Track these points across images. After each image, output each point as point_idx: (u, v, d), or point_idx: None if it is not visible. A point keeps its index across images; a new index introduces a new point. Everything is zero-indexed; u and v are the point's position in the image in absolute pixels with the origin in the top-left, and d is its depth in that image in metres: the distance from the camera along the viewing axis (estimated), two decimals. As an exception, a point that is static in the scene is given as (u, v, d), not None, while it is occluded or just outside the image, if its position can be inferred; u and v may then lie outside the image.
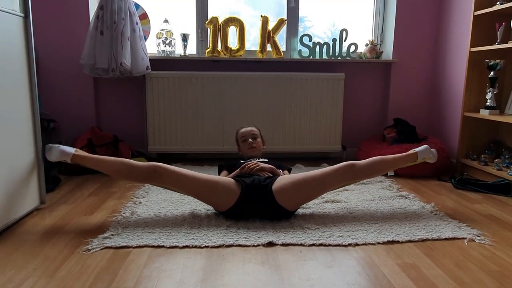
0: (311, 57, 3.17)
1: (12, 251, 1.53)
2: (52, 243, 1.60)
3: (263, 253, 1.54)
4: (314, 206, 2.05)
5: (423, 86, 3.36)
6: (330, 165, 2.93)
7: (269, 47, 3.11)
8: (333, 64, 3.27)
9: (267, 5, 3.34)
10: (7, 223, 1.72)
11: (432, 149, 2.19)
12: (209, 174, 1.92)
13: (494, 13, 2.58)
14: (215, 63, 3.18)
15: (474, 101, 2.79)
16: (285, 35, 3.28)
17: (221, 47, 3.07)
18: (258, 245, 1.59)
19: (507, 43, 2.47)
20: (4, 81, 1.69)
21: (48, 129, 2.88)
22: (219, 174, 2.17)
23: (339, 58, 3.19)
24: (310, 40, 3.16)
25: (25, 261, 1.45)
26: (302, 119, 3.15)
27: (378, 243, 1.63)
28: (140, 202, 2.10)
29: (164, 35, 3.06)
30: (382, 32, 3.37)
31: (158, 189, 2.31)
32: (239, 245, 1.59)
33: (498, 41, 2.59)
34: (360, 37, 3.36)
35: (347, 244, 1.61)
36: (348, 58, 3.20)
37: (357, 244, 1.61)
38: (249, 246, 1.59)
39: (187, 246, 1.58)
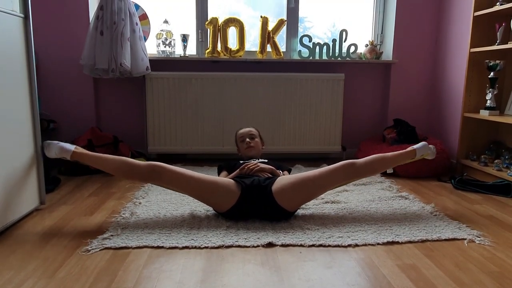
0: (311, 58, 3.17)
1: (12, 252, 1.53)
2: (51, 244, 1.60)
3: (262, 253, 1.54)
4: (313, 206, 2.05)
5: (423, 87, 3.36)
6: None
7: (269, 48, 3.11)
8: (333, 65, 3.27)
9: (267, 6, 3.34)
10: (7, 224, 1.72)
11: (430, 145, 2.21)
12: (209, 175, 1.92)
13: (494, 14, 2.59)
14: (215, 63, 3.18)
15: (474, 102, 2.79)
16: (285, 36, 3.28)
17: (221, 48, 3.07)
18: (258, 246, 1.59)
19: (507, 43, 2.47)
20: (4, 82, 1.69)
21: (48, 129, 2.88)
22: (218, 175, 2.17)
23: (339, 58, 3.19)
24: (310, 40, 3.16)
25: (25, 262, 1.45)
26: (302, 120, 3.15)
27: (378, 243, 1.63)
28: (140, 203, 2.10)
29: (164, 36, 3.06)
30: (382, 33, 3.37)
31: (158, 190, 2.31)
32: (239, 246, 1.59)
33: (498, 41, 2.59)
34: (360, 38, 3.37)
35: (346, 245, 1.61)
36: (348, 58, 3.20)
37: (356, 245, 1.61)
38: (248, 246, 1.59)
39: (186, 247, 1.58)
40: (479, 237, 1.70)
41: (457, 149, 2.89)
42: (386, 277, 1.37)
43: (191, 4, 3.18)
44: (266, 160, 2.17)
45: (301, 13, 3.28)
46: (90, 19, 2.88)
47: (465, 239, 1.68)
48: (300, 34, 3.22)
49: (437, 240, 1.67)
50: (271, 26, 3.08)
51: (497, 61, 2.58)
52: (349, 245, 1.61)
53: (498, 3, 2.52)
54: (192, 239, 1.63)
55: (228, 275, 1.37)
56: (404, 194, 2.29)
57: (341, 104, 3.16)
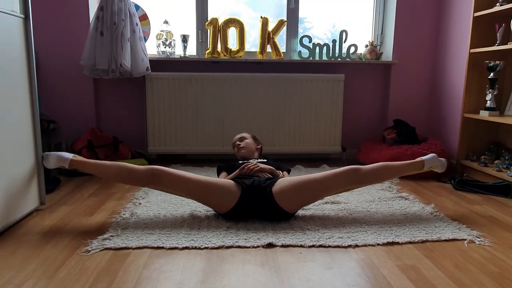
0: (311, 58, 3.17)
1: (12, 252, 1.53)
2: (51, 244, 1.60)
3: (262, 254, 1.54)
4: (313, 207, 2.05)
5: (423, 87, 3.36)
6: (330, 166, 2.97)
7: (269, 48, 3.11)
8: (333, 65, 3.28)
9: (267, 6, 3.34)
10: (7, 224, 1.72)
11: (441, 158, 2.16)
12: (208, 176, 1.92)
13: (493, 14, 2.59)
14: (215, 64, 3.18)
15: (474, 102, 2.79)
16: (285, 36, 3.28)
17: (221, 48, 3.07)
18: (258, 247, 1.59)
19: (507, 44, 2.47)
20: (4, 82, 1.69)
21: (48, 130, 2.88)
22: (218, 176, 2.17)
23: (339, 59, 3.19)
24: (310, 41, 3.16)
25: (25, 262, 1.45)
26: (302, 120, 3.15)
27: (378, 244, 1.63)
28: (140, 203, 2.10)
29: (164, 36, 3.06)
30: (382, 33, 3.37)
31: (158, 191, 2.30)
32: (239, 247, 1.59)
33: (497, 42, 2.59)
34: (360, 38, 3.37)
35: (347, 245, 1.61)
36: (348, 59, 3.20)
37: (357, 246, 1.61)
38: (248, 247, 1.59)
39: (186, 247, 1.58)
40: (479, 238, 1.70)
41: (457, 149, 2.89)
42: (386, 277, 1.37)
43: (191, 4, 3.18)
44: (265, 160, 2.18)
45: (301, 14, 3.28)
46: (90, 20, 2.88)
47: (465, 239, 1.68)
48: (300, 35, 3.22)
49: (437, 241, 1.67)
50: (271, 26, 3.09)
51: (497, 62, 2.59)
52: (349, 246, 1.61)
53: (498, 4, 2.53)
54: (192, 240, 1.63)
55: (228, 276, 1.37)
56: (404, 195, 2.29)
57: (341, 105, 3.16)
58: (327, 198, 2.16)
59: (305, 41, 3.16)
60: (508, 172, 2.46)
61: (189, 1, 3.18)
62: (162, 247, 1.57)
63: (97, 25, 2.73)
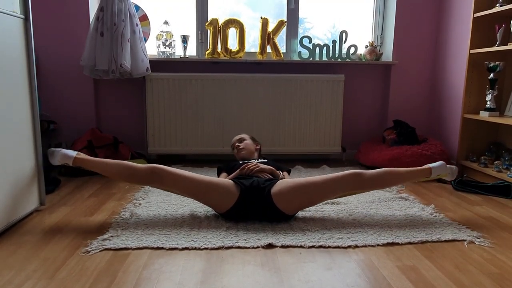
0: (311, 59, 3.18)
1: (12, 253, 1.53)
2: (51, 244, 1.60)
3: (262, 255, 1.54)
4: (313, 208, 2.05)
5: (423, 88, 3.36)
6: (330, 167, 2.97)
7: (269, 49, 3.11)
8: (333, 66, 3.28)
9: (267, 7, 3.35)
10: (7, 225, 1.72)
11: (451, 166, 2.07)
12: (208, 176, 1.92)
13: (493, 15, 2.59)
14: (215, 64, 3.18)
15: (474, 103, 2.79)
16: (285, 37, 3.28)
17: (221, 49, 3.07)
18: (258, 247, 1.59)
19: (507, 45, 2.47)
20: (4, 82, 1.69)
21: (48, 130, 2.88)
22: (218, 176, 2.17)
23: (339, 59, 3.19)
24: (310, 41, 3.16)
25: (25, 263, 1.45)
26: (302, 121, 3.16)
27: (378, 245, 1.63)
28: (140, 204, 2.10)
29: (164, 37, 3.06)
30: (382, 34, 3.37)
31: (158, 191, 2.31)
32: (239, 247, 1.59)
33: (497, 43, 2.59)
34: (360, 39, 3.37)
35: (346, 246, 1.61)
36: (348, 59, 3.20)
37: (356, 246, 1.61)
38: (248, 248, 1.59)
39: (186, 248, 1.58)
40: (479, 239, 1.70)
41: (457, 150, 2.89)
42: (386, 278, 1.37)
43: (191, 5, 3.19)
44: (265, 161, 2.18)
45: (301, 14, 3.28)
46: (90, 20, 2.88)
47: (465, 240, 1.68)
48: (300, 35, 3.22)
49: (437, 241, 1.67)
50: (271, 27, 3.09)
51: (497, 62, 2.59)
52: (349, 246, 1.61)
53: (498, 4, 2.53)
54: (192, 240, 1.63)
55: (228, 276, 1.37)
56: (404, 195, 2.29)
57: (341, 105, 3.16)
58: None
59: (305, 41, 3.16)
60: (508, 172, 2.45)
61: (189, 2, 3.19)
62: (162, 248, 1.57)
63: (97, 26, 2.73)
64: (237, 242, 1.62)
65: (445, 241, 1.68)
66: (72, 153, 1.92)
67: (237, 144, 2.36)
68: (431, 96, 3.36)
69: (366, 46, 3.28)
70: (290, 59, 3.28)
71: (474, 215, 2.02)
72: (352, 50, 3.22)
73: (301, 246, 1.60)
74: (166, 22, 3.09)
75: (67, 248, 1.57)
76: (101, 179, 2.60)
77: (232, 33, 3.09)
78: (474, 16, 2.67)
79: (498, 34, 2.58)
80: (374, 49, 3.25)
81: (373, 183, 1.87)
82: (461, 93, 2.90)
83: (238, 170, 2.03)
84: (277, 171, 2.08)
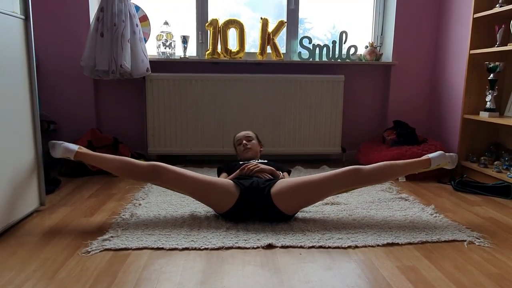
0: (310, 59, 3.18)
1: (12, 253, 1.53)
2: (51, 245, 1.60)
3: (262, 255, 1.54)
4: (313, 208, 2.05)
5: (423, 88, 3.36)
6: (330, 167, 2.97)
7: (269, 49, 3.11)
8: (333, 66, 3.28)
9: (267, 7, 3.35)
10: (7, 225, 1.72)
11: (451, 154, 2.06)
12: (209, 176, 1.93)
13: (493, 16, 2.59)
14: (215, 65, 3.18)
15: (473, 103, 2.80)
16: (285, 37, 3.28)
17: (221, 49, 3.08)
18: (258, 247, 1.59)
19: (507, 45, 2.47)
20: (4, 83, 1.69)
21: (48, 131, 2.88)
22: (218, 177, 2.17)
23: (338, 60, 3.19)
24: (310, 42, 3.17)
25: (25, 263, 1.45)
26: (302, 121, 3.16)
27: (378, 245, 1.63)
28: (140, 204, 2.10)
29: (164, 37, 3.07)
30: (381, 35, 3.38)
31: (158, 192, 2.31)
32: (239, 247, 1.59)
33: (497, 43, 2.59)
34: (360, 39, 3.37)
35: (346, 246, 1.61)
36: (348, 60, 3.20)
37: (356, 247, 1.61)
38: (248, 248, 1.59)
39: (186, 248, 1.58)
40: (479, 239, 1.70)
41: (457, 150, 2.89)
42: (386, 278, 1.37)
43: (191, 5, 3.19)
44: (265, 161, 2.18)
45: (301, 15, 3.28)
46: (91, 20, 2.88)
47: (465, 240, 1.68)
48: (300, 36, 3.22)
49: (437, 242, 1.67)
50: (271, 27, 3.09)
51: (497, 63, 2.59)
52: (349, 247, 1.61)
53: (497, 5, 2.53)
54: (192, 241, 1.63)
55: (228, 277, 1.37)
56: (404, 196, 2.29)
57: (341, 106, 3.16)
58: (327, 199, 2.16)
59: (305, 42, 3.17)
60: (508, 173, 2.46)
61: (189, 2, 3.19)
62: (162, 248, 1.58)
63: (97, 26, 2.73)
64: (237, 243, 1.62)
65: (445, 241, 1.68)
66: (74, 147, 1.92)
67: (245, 142, 2.30)
68: (431, 96, 3.37)
69: (366, 47, 3.28)
70: (290, 59, 3.28)
71: (474, 216, 2.02)
72: (352, 50, 3.22)
73: (301, 247, 1.60)
74: (166, 23, 3.09)
75: (67, 249, 1.57)
76: (101, 179, 2.60)
77: (232, 33, 3.10)
78: (474, 16, 2.67)
79: (498, 35, 2.58)
80: (374, 50, 3.26)
81: (373, 177, 1.86)
82: (461, 94, 2.90)
83: (238, 171, 2.03)
84: (277, 172, 2.07)
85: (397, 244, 1.64)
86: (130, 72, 2.82)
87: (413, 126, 3.06)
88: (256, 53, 3.17)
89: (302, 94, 3.12)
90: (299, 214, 1.95)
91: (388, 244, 1.64)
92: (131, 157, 2.88)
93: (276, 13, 3.34)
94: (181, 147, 3.10)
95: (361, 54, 3.30)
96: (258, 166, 2.02)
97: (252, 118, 3.11)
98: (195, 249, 1.58)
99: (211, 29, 3.03)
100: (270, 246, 1.60)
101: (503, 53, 2.67)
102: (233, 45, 3.13)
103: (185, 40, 3.06)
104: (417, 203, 2.17)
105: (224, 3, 3.27)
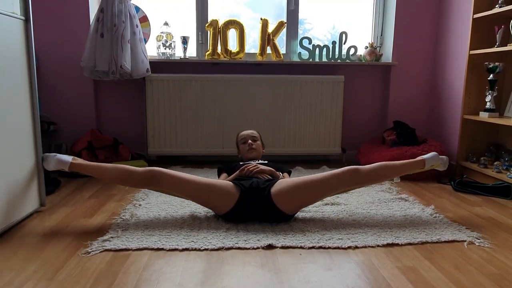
0: (310, 60, 3.18)
1: (12, 254, 1.53)
2: (51, 245, 1.60)
3: (262, 255, 1.54)
4: (313, 209, 2.05)
5: (423, 89, 3.36)
6: (330, 168, 2.97)
7: (269, 50, 3.11)
8: (333, 67, 3.28)
9: (267, 8, 3.35)
10: (7, 226, 1.72)
11: (442, 156, 2.13)
12: (208, 177, 1.93)
13: (493, 16, 2.59)
14: (215, 65, 3.18)
15: (473, 104, 2.80)
16: (285, 38, 3.28)
17: (221, 50, 3.08)
18: (258, 248, 1.59)
19: (506, 46, 2.48)
20: (4, 83, 1.70)
21: (48, 131, 2.88)
22: (218, 177, 2.17)
23: (338, 60, 3.20)
24: (310, 42, 3.17)
25: (25, 264, 1.45)
26: (302, 122, 3.16)
27: (378, 245, 1.63)
28: (140, 205, 2.10)
29: (164, 38, 3.07)
30: (381, 35, 3.38)
31: (158, 192, 2.30)
32: (239, 248, 1.59)
33: (497, 43, 2.59)
34: (360, 40, 3.37)
35: (346, 246, 1.61)
36: (347, 60, 3.21)
37: (356, 247, 1.61)
38: (248, 248, 1.59)
39: (186, 249, 1.58)
40: (479, 239, 1.70)
41: (456, 151, 2.89)
42: (386, 279, 1.37)
43: (191, 6, 3.19)
44: (266, 162, 2.18)
45: (301, 15, 3.29)
46: (91, 21, 2.88)
47: (465, 241, 1.68)
48: (300, 36, 3.23)
49: (437, 242, 1.67)
50: (271, 28, 3.09)
51: (497, 63, 2.59)
52: (349, 247, 1.61)
53: (497, 6, 2.53)
54: (192, 241, 1.63)
55: (228, 277, 1.37)
56: (404, 196, 2.29)
57: (341, 106, 3.17)
58: (327, 200, 2.16)
59: (305, 42, 3.17)
60: (508, 173, 2.46)
61: (189, 3, 3.19)
62: (162, 249, 1.58)
63: (98, 27, 2.74)
64: (237, 243, 1.62)
65: (445, 241, 1.68)
66: (68, 158, 1.89)
67: (250, 142, 2.29)
68: (431, 97, 3.37)
69: (366, 47, 3.28)
70: (290, 60, 3.28)
71: (474, 216, 2.02)
72: (352, 51, 3.22)
73: (301, 247, 1.60)
74: (166, 23, 3.09)
75: (67, 249, 1.57)
76: (101, 180, 2.59)
77: (232, 34, 3.10)
78: (474, 17, 2.67)
79: (497, 35, 2.58)
80: (374, 50, 3.26)
81: (370, 177, 1.90)
82: (461, 94, 2.90)
83: (237, 171, 2.03)
84: (277, 172, 2.07)
85: (397, 244, 1.64)
86: (130, 73, 2.83)
87: (413, 127, 3.06)
88: (256, 53, 3.17)
89: (302, 94, 3.12)
90: (299, 214, 1.95)
91: (388, 245, 1.64)
92: (131, 157, 2.91)
93: (276, 14, 3.34)
94: (181, 147, 3.10)
95: (361, 55, 3.30)
96: (258, 167, 2.02)
97: (252, 118, 3.11)
98: (195, 249, 1.58)
99: (211, 29, 3.03)
100: (270, 247, 1.60)
101: (503, 54, 2.67)
102: (233, 45, 3.13)
103: (185, 40, 3.06)
104: (417, 204, 2.17)
105: (224, 3, 3.28)
